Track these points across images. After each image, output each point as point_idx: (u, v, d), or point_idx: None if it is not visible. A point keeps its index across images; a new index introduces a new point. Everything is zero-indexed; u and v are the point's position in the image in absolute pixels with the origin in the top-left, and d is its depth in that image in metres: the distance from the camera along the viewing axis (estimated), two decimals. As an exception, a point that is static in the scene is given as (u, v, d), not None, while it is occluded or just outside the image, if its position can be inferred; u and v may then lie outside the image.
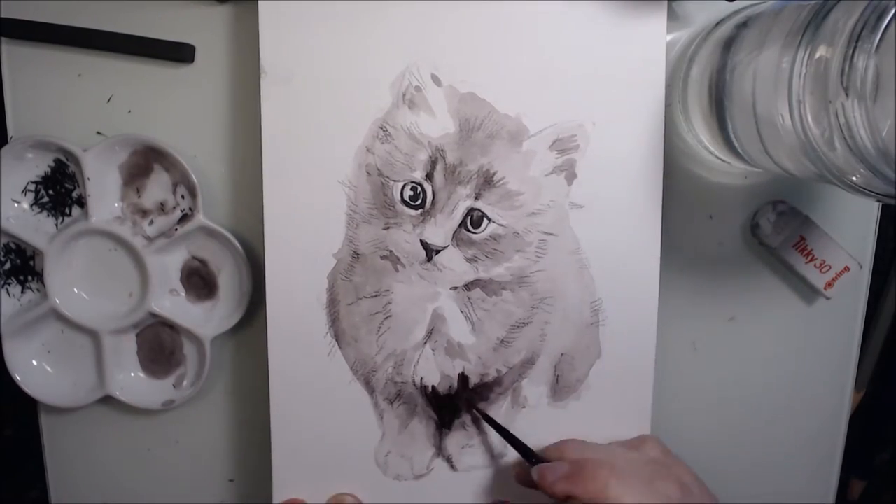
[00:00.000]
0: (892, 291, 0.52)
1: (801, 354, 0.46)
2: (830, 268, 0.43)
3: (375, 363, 0.42)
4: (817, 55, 0.28)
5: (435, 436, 0.43)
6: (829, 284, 0.44)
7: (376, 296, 0.41)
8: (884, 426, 0.57)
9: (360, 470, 0.42)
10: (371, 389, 0.42)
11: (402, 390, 0.42)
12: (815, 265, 0.43)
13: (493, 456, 0.43)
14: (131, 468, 0.48)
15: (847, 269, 0.44)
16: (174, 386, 0.46)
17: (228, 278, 0.45)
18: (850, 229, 0.44)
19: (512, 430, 0.42)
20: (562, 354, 0.42)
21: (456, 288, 0.41)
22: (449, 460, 0.43)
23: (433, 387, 0.42)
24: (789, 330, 0.46)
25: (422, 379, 0.42)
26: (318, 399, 0.42)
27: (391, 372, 0.42)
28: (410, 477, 0.43)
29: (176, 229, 0.44)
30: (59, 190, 0.45)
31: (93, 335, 0.45)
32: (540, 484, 0.38)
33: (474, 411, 0.42)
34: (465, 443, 0.43)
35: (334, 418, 0.42)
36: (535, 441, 0.42)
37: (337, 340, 0.41)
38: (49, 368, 0.46)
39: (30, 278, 0.46)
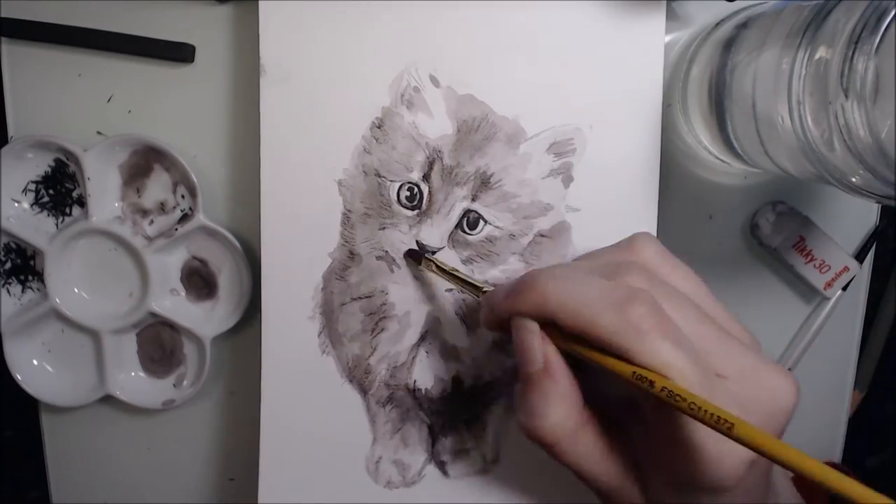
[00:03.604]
0: (892, 291, 0.51)
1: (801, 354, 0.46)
2: (830, 268, 0.43)
3: (369, 365, 0.42)
4: (817, 56, 0.28)
5: (427, 440, 0.42)
6: (829, 284, 0.44)
7: (371, 296, 0.41)
8: (884, 427, 0.57)
9: (350, 476, 0.42)
10: (364, 392, 0.42)
11: (394, 393, 0.42)
12: (814, 265, 0.43)
13: (487, 462, 0.42)
14: (131, 468, 0.48)
15: (847, 269, 0.44)
16: (174, 385, 0.46)
17: (228, 278, 0.45)
18: (850, 229, 0.44)
19: (506, 436, 0.41)
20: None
21: (451, 290, 0.41)
22: (441, 466, 0.42)
23: (426, 390, 0.42)
24: (789, 330, 0.46)
25: (415, 382, 0.42)
26: (309, 400, 0.42)
27: (384, 374, 0.42)
28: (401, 484, 0.42)
29: (176, 229, 0.44)
30: (60, 190, 0.45)
31: (93, 335, 0.45)
32: (486, 312, 0.34)
33: (425, 258, 0.39)
34: (458, 447, 0.42)
35: (326, 420, 0.42)
36: (529, 448, 0.42)
37: (331, 341, 0.41)
38: (49, 368, 0.46)
39: (30, 278, 0.46)
